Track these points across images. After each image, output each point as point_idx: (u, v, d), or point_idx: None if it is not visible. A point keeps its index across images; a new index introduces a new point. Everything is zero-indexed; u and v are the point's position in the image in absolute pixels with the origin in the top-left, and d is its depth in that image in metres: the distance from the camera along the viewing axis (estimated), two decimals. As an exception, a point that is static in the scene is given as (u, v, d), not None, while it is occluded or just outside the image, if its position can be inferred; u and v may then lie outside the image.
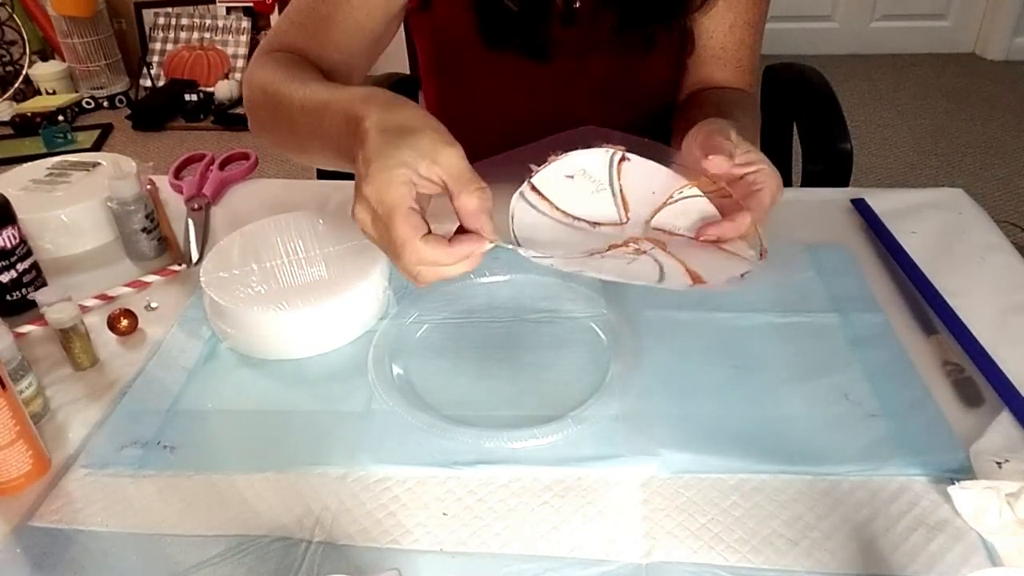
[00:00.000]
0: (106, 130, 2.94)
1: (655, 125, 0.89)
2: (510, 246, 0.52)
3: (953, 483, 0.51)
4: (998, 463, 0.53)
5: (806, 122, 1.06)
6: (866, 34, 3.26)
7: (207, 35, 3.13)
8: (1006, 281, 0.72)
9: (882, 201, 0.83)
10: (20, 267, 0.72)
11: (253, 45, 3.08)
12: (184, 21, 3.15)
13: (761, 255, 0.55)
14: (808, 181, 1.01)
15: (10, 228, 0.71)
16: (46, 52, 3.18)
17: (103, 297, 0.75)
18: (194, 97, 2.99)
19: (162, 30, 3.16)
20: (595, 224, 0.56)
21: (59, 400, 0.64)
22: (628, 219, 0.57)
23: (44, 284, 0.76)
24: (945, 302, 0.68)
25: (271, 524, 0.52)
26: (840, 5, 3.22)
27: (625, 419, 0.58)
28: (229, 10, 3.10)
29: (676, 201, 0.57)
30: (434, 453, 0.56)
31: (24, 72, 3.09)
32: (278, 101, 0.67)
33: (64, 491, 0.56)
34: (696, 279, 0.52)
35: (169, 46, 3.15)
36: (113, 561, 0.51)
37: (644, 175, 0.57)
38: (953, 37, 3.23)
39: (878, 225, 0.79)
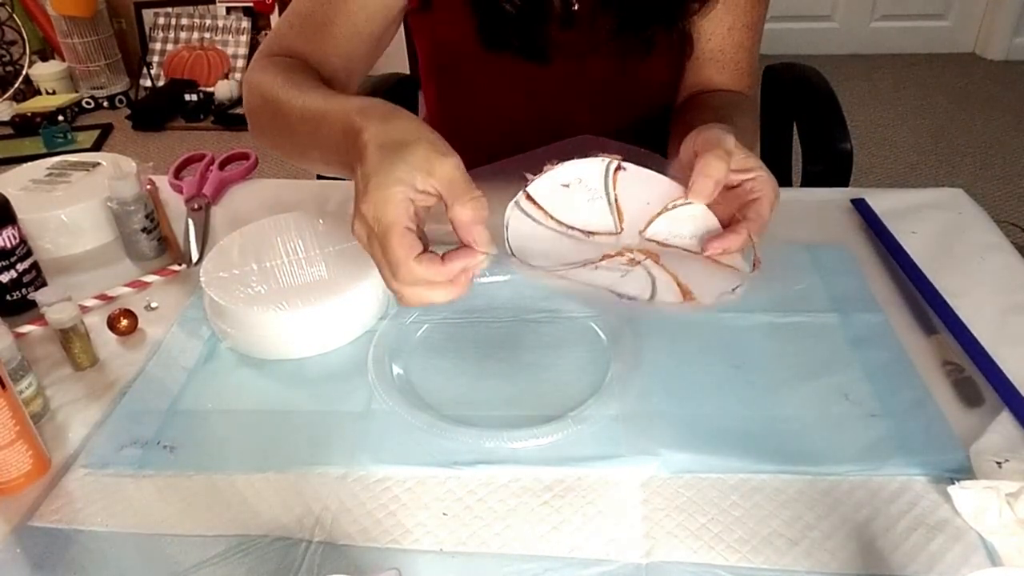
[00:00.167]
0: (106, 130, 2.95)
1: (654, 128, 0.89)
2: (509, 257, 0.51)
3: (953, 483, 0.51)
4: (998, 463, 0.53)
5: (806, 122, 1.06)
6: (866, 34, 3.26)
7: (207, 35, 3.14)
8: (1006, 281, 0.72)
9: (882, 201, 0.83)
10: (20, 267, 0.72)
11: (253, 45, 3.08)
12: (184, 21, 3.15)
13: (754, 265, 0.55)
14: (808, 181, 1.01)
15: (10, 228, 0.71)
16: (46, 52, 3.18)
17: (103, 297, 0.75)
18: (194, 97, 2.99)
19: (162, 30, 3.16)
20: (590, 233, 0.56)
21: (59, 400, 0.64)
22: (623, 229, 0.57)
23: (44, 284, 0.76)
24: (945, 302, 0.68)
25: (271, 524, 0.52)
26: (840, 5, 3.22)
27: (625, 419, 0.58)
28: (229, 10, 3.10)
29: (671, 210, 0.57)
30: (434, 453, 0.56)
31: (24, 72, 3.09)
32: (277, 108, 0.67)
33: (64, 491, 0.56)
34: (687, 296, 0.52)
35: (169, 46, 3.16)
36: (113, 561, 0.51)
37: (640, 185, 0.57)
38: (953, 37, 3.23)
39: (878, 225, 0.79)
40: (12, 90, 3.06)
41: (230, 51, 3.10)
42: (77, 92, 3.12)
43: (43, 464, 0.57)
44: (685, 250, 0.56)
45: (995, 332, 0.65)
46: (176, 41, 3.16)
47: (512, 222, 0.54)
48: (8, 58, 3.14)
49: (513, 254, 0.52)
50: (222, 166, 0.95)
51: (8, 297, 0.73)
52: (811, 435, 0.57)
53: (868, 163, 2.48)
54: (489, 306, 0.71)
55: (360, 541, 0.51)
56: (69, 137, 2.80)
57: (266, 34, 2.63)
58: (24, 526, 0.53)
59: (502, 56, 0.82)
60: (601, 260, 0.54)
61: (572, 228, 0.56)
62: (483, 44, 0.82)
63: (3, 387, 0.53)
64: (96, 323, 0.71)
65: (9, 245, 0.71)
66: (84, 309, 0.73)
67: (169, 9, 3.15)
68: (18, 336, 0.69)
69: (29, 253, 0.74)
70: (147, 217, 0.80)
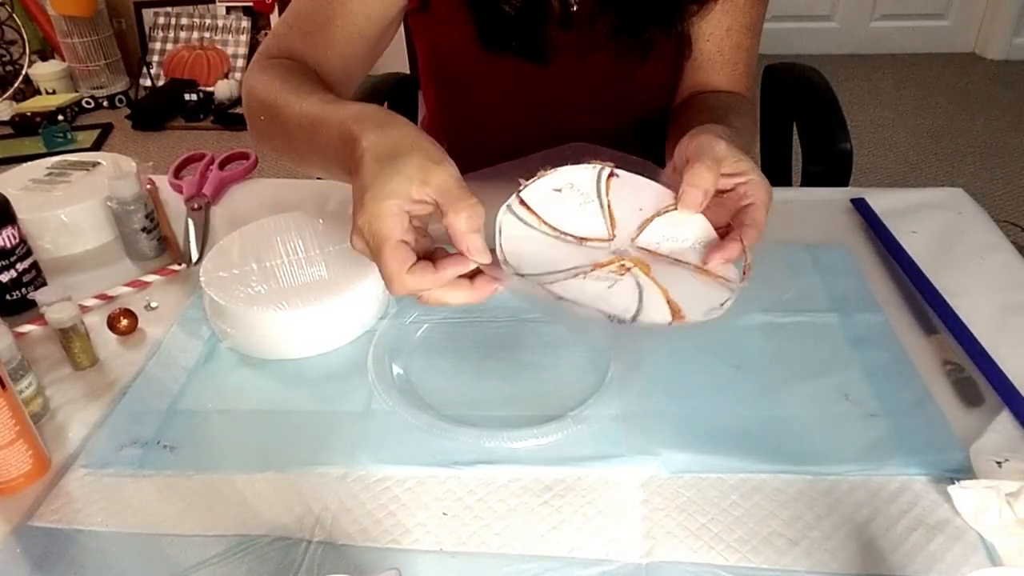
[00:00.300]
0: (106, 130, 2.94)
1: (652, 128, 0.89)
2: (501, 264, 0.51)
3: (953, 483, 0.51)
4: (998, 463, 0.53)
5: (806, 122, 1.06)
6: (866, 34, 3.26)
7: (207, 35, 3.13)
8: (1006, 281, 0.72)
9: (882, 201, 0.83)
10: (20, 267, 0.72)
11: (253, 45, 3.08)
12: (184, 21, 3.15)
13: (744, 272, 0.55)
14: (808, 181, 1.01)
15: (10, 228, 0.71)
16: (46, 52, 3.18)
17: (103, 297, 0.75)
18: (194, 97, 2.99)
19: (162, 30, 3.16)
20: (582, 239, 0.56)
21: (59, 400, 0.64)
22: (615, 235, 0.56)
23: (44, 284, 0.76)
24: (945, 302, 0.68)
25: (271, 524, 0.52)
26: (840, 5, 3.22)
27: (625, 419, 0.58)
28: (229, 10, 3.10)
29: (664, 216, 0.57)
30: (434, 453, 0.57)
31: (24, 72, 3.09)
32: (276, 112, 0.67)
33: (64, 491, 0.56)
34: (676, 313, 0.51)
35: (169, 46, 3.15)
36: (113, 561, 0.51)
37: (633, 191, 0.57)
38: (953, 37, 3.23)
39: (878, 225, 0.79)
40: (12, 90, 3.06)
41: (230, 51, 3.10)
42: (77, 92, 3.12)
43: (43, 464, 0.57)
44: (676, 259, 0.56)
45: (995, 332, 0.65)
46: (176, 41, 3.16)
47: (504, 226, 0.54)
48: (8, 58, 3.14)
49: (505, 259, 0.52)
50: (222, 166, 0.95)
51: (8, 297, 0.73)
52: (811, 435, 0.57)
53: (868, 163, 2.48)
54: (489, 306, 0.71)
55: (360, 541, 0.51)
56: (69, 137, 2.80)
57: (266, 34, 2.63)
58: (24, 526, 0.53)
59: (501, 57, 0.82)
60: (591, 270, 0.54)
61: (564, 233, 0.56)
62: (482, 45, 0.82)
63: (3, 387, 0.53)
64: (96, 323, 0.71)
65: (9, 245, 0.71)
66: (84, 309, 0.73)
67: (169, 9, 3.15)
68: (18, 336, 0.69)
69: (29, 253, 0.74)
70: (147, 217, 0.80)
